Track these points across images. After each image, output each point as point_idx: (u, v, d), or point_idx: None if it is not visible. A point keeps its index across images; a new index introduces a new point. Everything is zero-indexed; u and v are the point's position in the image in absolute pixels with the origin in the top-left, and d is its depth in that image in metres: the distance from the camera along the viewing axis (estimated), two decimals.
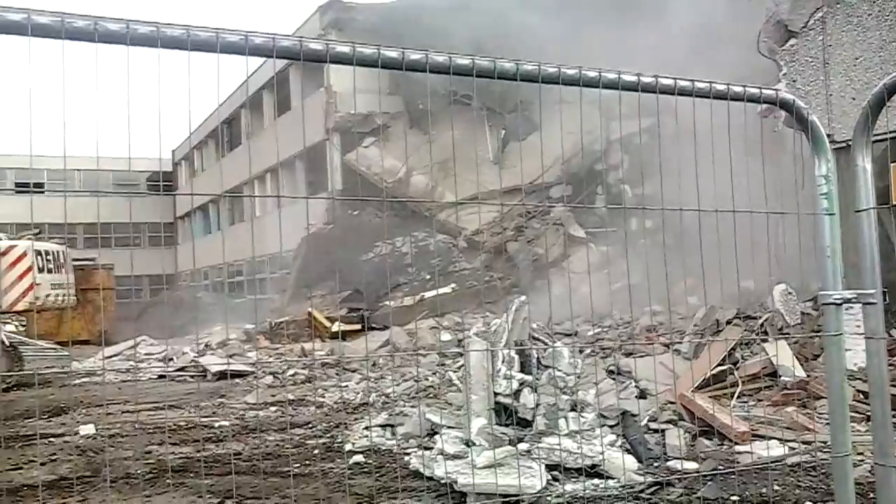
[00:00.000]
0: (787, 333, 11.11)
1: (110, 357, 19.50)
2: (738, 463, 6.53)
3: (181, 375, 16.52)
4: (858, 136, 2.72)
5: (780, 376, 9.32)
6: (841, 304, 2.65)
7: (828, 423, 3.49)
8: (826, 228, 2.71)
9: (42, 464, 8.02)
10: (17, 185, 47.87)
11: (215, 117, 42.01)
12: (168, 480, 7.05)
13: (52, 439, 9.43)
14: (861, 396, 7.37)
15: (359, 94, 28.76)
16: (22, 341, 16.85)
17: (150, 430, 9.81)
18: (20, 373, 15.67)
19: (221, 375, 15.37)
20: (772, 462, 6.45)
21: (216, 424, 10.00)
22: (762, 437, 7.07)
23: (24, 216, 36.05)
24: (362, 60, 2.54)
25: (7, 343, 16.01)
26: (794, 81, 11.51)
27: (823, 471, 5.97)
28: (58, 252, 19.73)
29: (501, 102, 26.27)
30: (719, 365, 9.37)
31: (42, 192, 45.84)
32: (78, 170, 47.47)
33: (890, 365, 9.66)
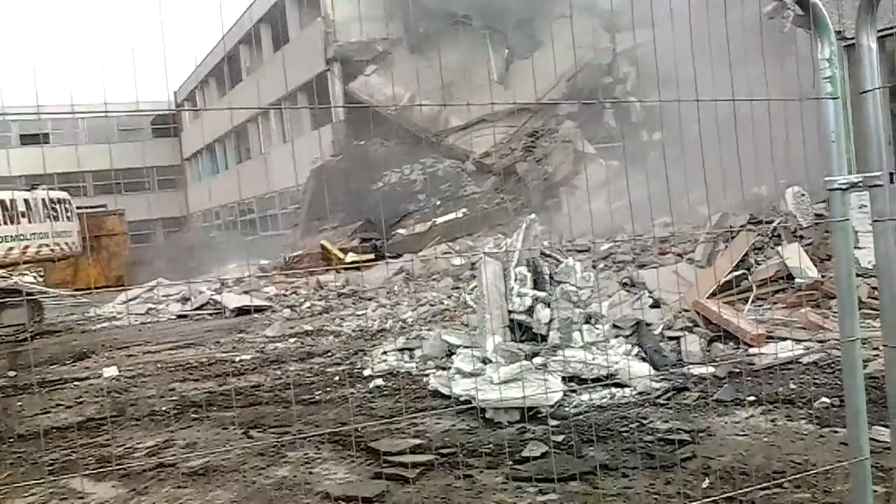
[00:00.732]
0: (801, 236, 11.08)
1: (129, 301, 19.70)
2: (752, 365, 6.56)
3: (199, 314, 16.71)
4: (863, 15, 2.63)
5: (793, 279, 9.32)
6: (847, 189, 2.60)
7: None
8: (830, 113, 2.63)
9: (69, 406, 8.17)
10: (22, 136, 47.70)
11: (214, 55, 41.60)
12: (192, 415, 7.16)
13: (77, 383, 9.58)
14: (875, 293, 7.35)
15: (356, 21, 28.25)
16: (42, 290, 16.98)
17: (172, 369, 9.94)
18: (42, 324, 15.81)
19: (240, 312, 15.54)
20: (786, 362, 6.48)
21: (237, 359, 10.13)
22: (777, 339, 7.09)
23: (33, 167, 36.01)
24: None
25: (25, 293, 16.11)
26: None
27: (839, 367, 5.99)
28: (13, 200, 17.14)
29: (502, 21, 25.82)
30: (733, 270, 9.37)
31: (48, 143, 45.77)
32: (82, 117, 47.27)
33: None
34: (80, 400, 8.51)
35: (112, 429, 7.05)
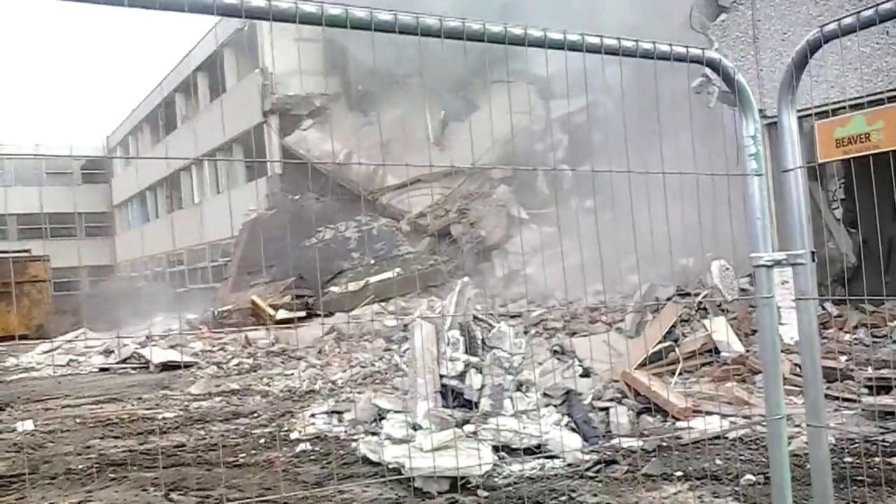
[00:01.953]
0: (726, 310, 11.33)
1: (49, 351, 19.10)
2: (680, 439, 6.64)
3: (123, 368, 16.26)
4: (784, 94, 2.72)
5: (719, 352, 9.51)
6: (772, 266, 2.66)
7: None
8: (755, 190, 2.68)
9: None
10: None
11: (149, 101, 41.24)
12: (110, 475, 6.93)
13: None
14: (798, 370, 7.53)
15: (296, 75, 28.33)
16: None
17: (92, 425, 9.63)
18: None
19: (164, 367, 15.18)
20: (713, 437, 6.57)
21: (160, 416, 9.86)
22: (704, 413, 7.19)
23: None
24: (305, 18, 2.46)
25: None
26: (725, 56, 11.68)
27: (764, 444, 6.09)
28: None
29: (440, 83, 26.19)
30: (660, 342, 9.52)
31: None
32: (9, 157, 46.22)
33: (823, 338, 9.88)
34: None
35: (24, 487, 6.77)
